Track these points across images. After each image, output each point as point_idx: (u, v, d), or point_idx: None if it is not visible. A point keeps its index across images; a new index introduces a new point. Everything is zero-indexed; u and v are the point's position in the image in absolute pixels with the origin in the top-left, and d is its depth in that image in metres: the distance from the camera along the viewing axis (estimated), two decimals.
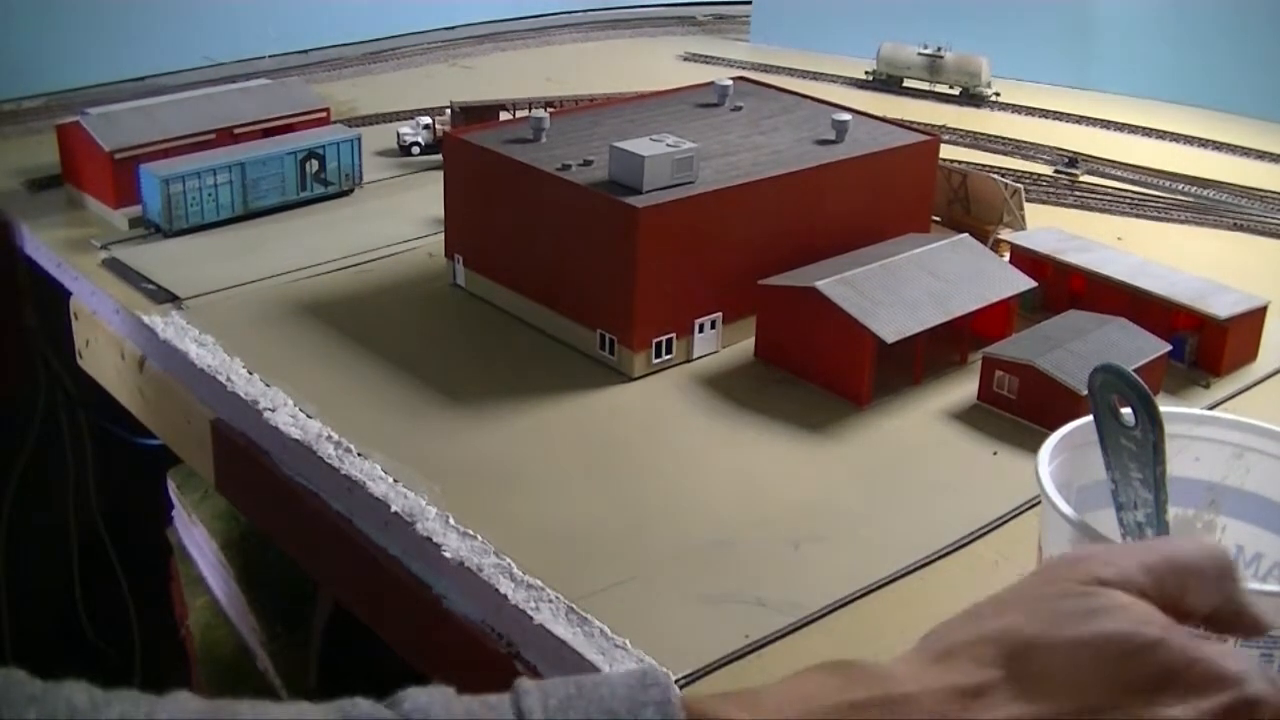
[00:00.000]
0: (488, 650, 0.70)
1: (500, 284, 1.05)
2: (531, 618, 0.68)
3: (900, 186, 1.09)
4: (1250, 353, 1.00)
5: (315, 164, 1.25)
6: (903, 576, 0.74)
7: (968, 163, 1.30)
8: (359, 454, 0.83)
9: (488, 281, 1.06)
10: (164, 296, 1.06)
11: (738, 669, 0.66)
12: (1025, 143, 1.52)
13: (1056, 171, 1.44)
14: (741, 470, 0.84)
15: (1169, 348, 0.93)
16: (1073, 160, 1.45)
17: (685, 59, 1.92)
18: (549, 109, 1.22)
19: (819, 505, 0.80)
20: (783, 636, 0.68)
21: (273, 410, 0.88)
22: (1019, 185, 1.15)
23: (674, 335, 0.97)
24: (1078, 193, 1.38)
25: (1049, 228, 1.13)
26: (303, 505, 0.85)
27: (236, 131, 1.26)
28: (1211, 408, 0.92)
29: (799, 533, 0.77)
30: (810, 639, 0.68)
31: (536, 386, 0.94)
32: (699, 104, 1.17)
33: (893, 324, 0.90)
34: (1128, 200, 1.36)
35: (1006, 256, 1.08)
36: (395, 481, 0.80)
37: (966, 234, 1.05)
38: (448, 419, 0.90)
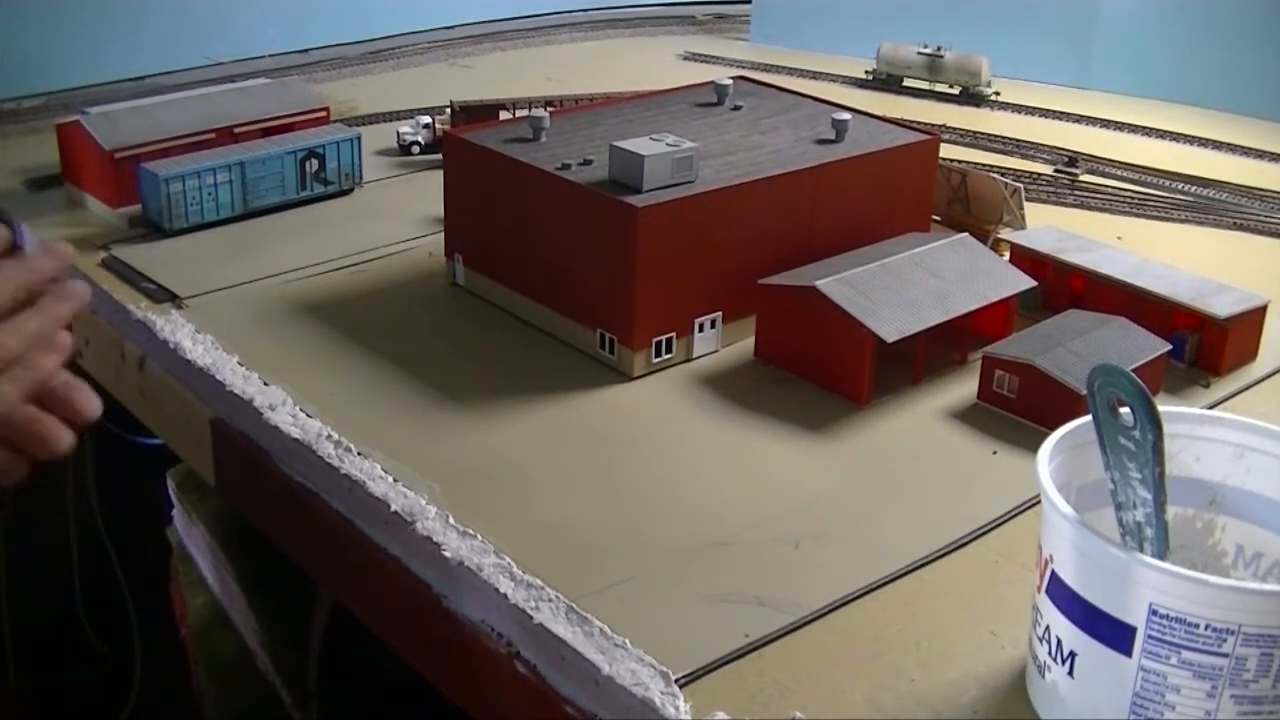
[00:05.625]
0: (488, 650, 0.70)
1: (500, 283, 1.05)
2: (531, 617, 0.68)
3: (900, 186, 1.09)
4: (1250, 352, 1.00)
5: (315, 164, 1.25)
6: (903, 576, 0.74)
7: (968, 162, 1.30)
8: (359, 453, 0.83)
9: (487, 281, 1.06)
10: (164, 296, 1.06)
11: (738, 668, 0.66)
12: (1025, 142, 1.52)
13: (1056, 171, 1.44)
14: (741, 470, 0.84)
15: (1169, 347, 0.93)
16: (1073, 160, 1.45)
17: (685, 59, 1.92)
18: (549, 108, 1.22)
19: (819, 505, 0.80)
20: (783, 636, 0.68)
21: (272, 409, 0.88)
22: (1019, 185, 1.15)
23: (674, 335, 0.97)
24: (1078, 192, 1.38)
25: (1049, 227, 1.13)
26: (303, 505, 0.85)
27: (236, 131, 1.26)
28: (1211, 407, 0.92)
29: (799, 532, 0.77)
30: (810, 638, 0.68)
31: (536, 386, 0.94)
32: (699, 104, 1.17)
33: (893, 323, 0.90)
34: (1128, 200, 1.36)
35: (1006, 256, 1.07)
36: (395, 481, 0.80)
37: (966, 233, 1.05)
38: (447, 419, 0.90)
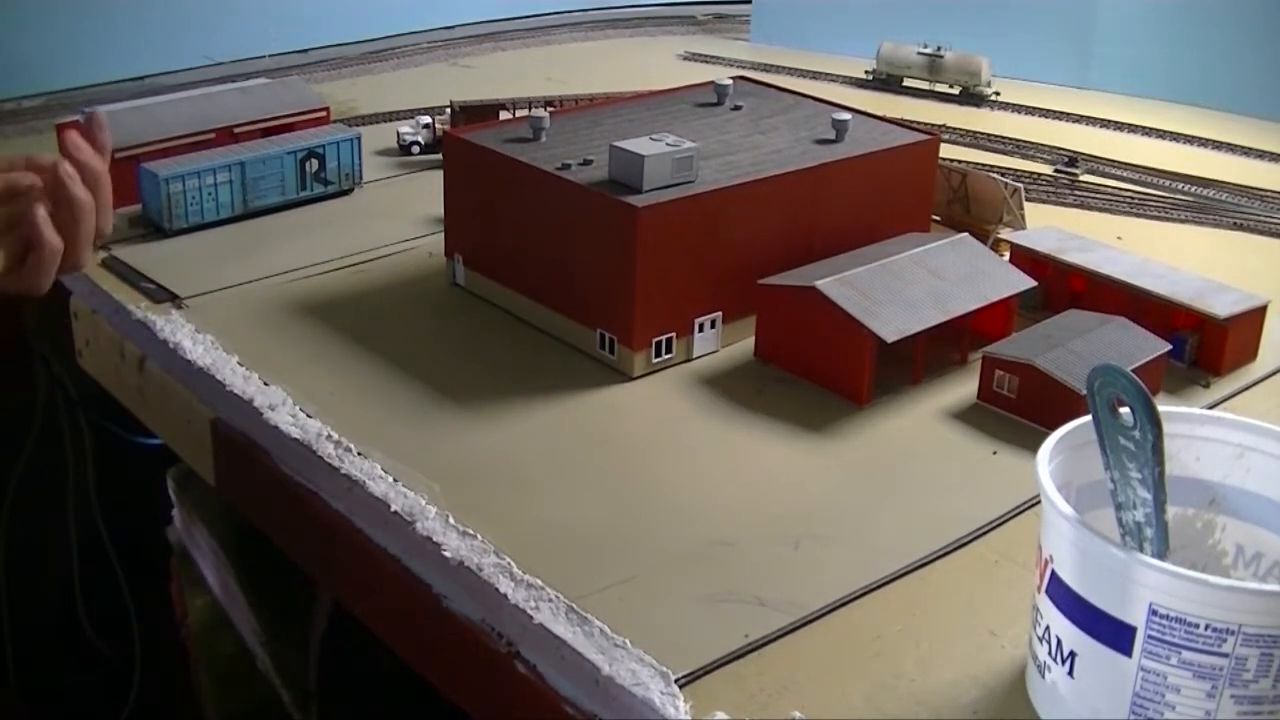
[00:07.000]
0: (488, 650, 0.70)
1: (500, 283, 1.05)
2: (531, 617, 0.68)
3: (900, 186, 1.09)
4: (1250, 352, 1.00)
5: (315, 163, 1.25)
6: (902, 576, 0.74)
7: (968, 162, 1.30)
8: (359, 453, 0.83)
9: (488, 281, 1.06)
10: (164, 296, 1.06)
11: (738, 668, 0.66)
12: (1025, 142, 1.52)
13: (1056, 171, 1.44)
14: (741, 470, 0.84)
15: (1169, 347, 0.93)
16: (1073, 160, 1.45)
17: (685, 58, 1.92)
18: (549, 108, 1.22)
19: (819, 505, 0.80)
20: (783, 636, 0.68)
21: (272, 409, 0.88)
22: (1019, 185, 1.15)
23: (674, 335, 0.97)
24: (1078, 192, 1.38)
25: (1049, 227, 1.13)
26: (303, 505, 0.85)
27: (236, 131, 1.26)
28: (1211, 407, 0.92)
29: (799, 532, 0.77)
30: (810, 639, 0.68)
31: (536, 386, 0.94)
32: (699, 103, 1.17)
33: (893, 323, 0.90)
34: (1128, 200, 1.36)
35: (1006, 256, 1.08)
36: (395, 481, 0.80)
37: (966, 233, 1.05)
38: (448, 419, 0.90)
